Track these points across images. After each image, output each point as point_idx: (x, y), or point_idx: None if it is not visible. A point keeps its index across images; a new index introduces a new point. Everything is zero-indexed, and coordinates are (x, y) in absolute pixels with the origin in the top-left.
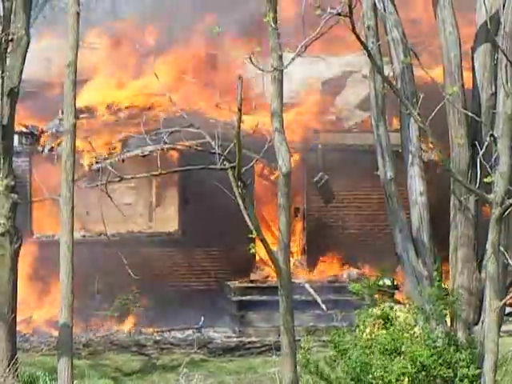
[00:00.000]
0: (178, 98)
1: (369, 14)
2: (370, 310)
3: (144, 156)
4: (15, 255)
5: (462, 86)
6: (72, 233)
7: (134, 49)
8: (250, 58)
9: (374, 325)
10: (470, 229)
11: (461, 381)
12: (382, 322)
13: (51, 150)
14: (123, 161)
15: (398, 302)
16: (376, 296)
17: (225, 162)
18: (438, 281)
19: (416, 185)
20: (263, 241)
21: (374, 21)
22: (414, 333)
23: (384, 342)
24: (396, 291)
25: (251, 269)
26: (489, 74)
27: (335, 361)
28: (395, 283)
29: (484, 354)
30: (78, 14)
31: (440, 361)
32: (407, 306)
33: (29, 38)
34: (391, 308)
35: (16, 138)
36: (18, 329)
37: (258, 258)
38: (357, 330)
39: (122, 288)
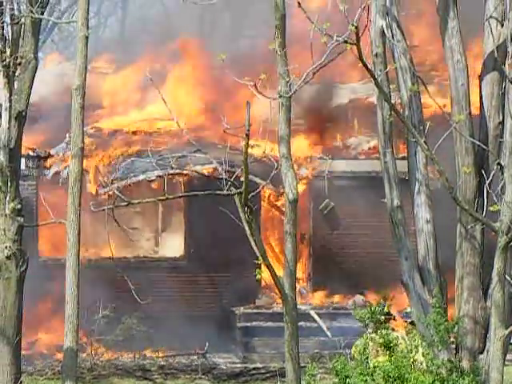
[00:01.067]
0: (186, 123)
1: (377, 42)
2: (370, 336)
3: (151, 181)
4: (21, 278)
5: (470, 114)
6: (78, 256)
7: (143, 74)
8: (255, 86)
9: (377, 351)
10: (476, 257)
11: None
12: (384, 349)
13: (58, 173)
14: (130, 185)
15: (393, 330)
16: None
17: (231, 188)
18: (438, 307)
19: (423, 213)
20: (269, 267)
21: (381, 48)
22: (417, 359)
23: (387, 369)
24: (388, 317)
25: (257, 295)
26: (496, 102)
27: None
28: (388, 310)
29: (488, 383)
30: (87, 37)
31: None
32: (409, 333)
33: (37, 62)
34: (388, 334)
35: (23, 161)
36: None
37: (263, 283)
38: (358, 357)
39: (128, 312)
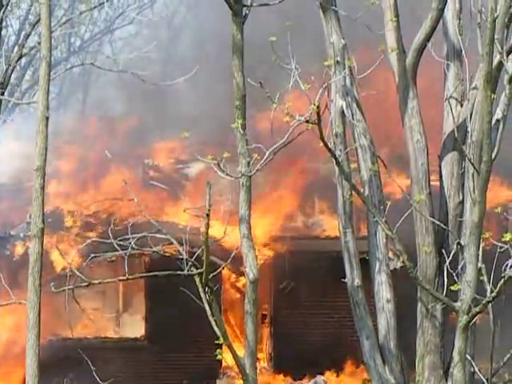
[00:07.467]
0: (146, 203)
1: (337, 122)
2: None
3: (111, 261)
4: None
5: (429, 193)
6: (39, 337)
7: (102, 153)
8: (218, 164)
9: None
10: (437, 336)
11: None
12: None
13: (19, 253)
14: (90, 266)
15: None
16: None
17: (192, 268)
18: None
19: (383, 292)
20: (230, 347)
21: (341, 128)
22: None
23: None
24: None
25: (217, 375)
26: (456, 182)
27: None
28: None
29: None
30: (47, 118)
31: None
32: None
33: None
34: None
35: None
36: None
37: (224, 363)
38: None
39: None
